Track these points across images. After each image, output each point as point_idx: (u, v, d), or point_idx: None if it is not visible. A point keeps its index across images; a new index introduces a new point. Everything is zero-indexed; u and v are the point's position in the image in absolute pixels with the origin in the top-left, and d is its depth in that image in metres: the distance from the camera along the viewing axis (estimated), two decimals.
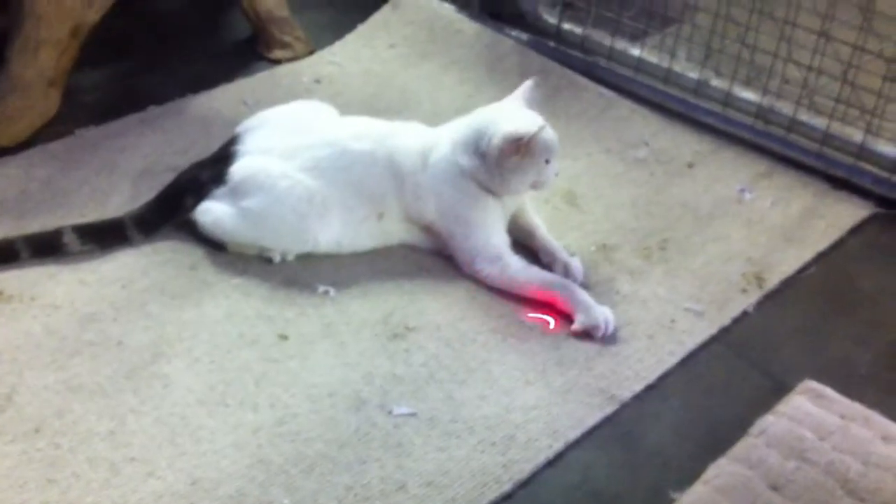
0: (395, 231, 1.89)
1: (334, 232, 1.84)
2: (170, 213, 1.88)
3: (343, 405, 1.60)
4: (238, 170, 1.84)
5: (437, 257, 1.89)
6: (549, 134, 1.83)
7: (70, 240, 1.82)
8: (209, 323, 1.72)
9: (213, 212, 1.84)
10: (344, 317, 1.76)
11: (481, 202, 1.85)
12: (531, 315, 1.75)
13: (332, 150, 1.84)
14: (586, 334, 1.75)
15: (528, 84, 1.93)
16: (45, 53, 2.18)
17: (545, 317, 1.75)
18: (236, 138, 1.91)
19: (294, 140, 1.86)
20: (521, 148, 1.79)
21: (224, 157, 1.88)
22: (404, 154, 1.85)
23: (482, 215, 1.86)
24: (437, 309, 1.79)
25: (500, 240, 1.86)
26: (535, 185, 1.87)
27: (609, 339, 1.75)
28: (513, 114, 1.86)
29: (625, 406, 1.64)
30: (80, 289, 1.77)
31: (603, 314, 1.76)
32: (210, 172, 1.87)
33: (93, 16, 2.23)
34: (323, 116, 1.97)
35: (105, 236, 1.85)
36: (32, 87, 2.17)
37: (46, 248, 1.82)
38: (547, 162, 1.84)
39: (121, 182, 2.03)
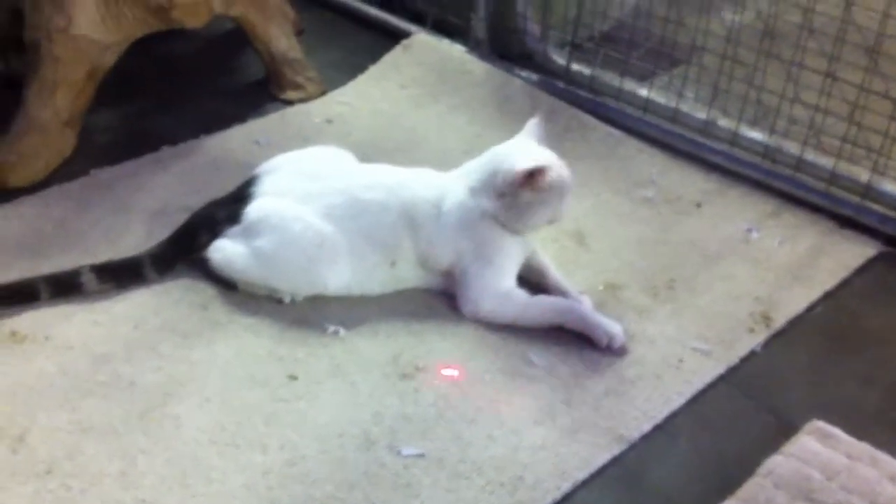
0: (408, 277, 1.90)
1: (345, 277, 1.86)
2: (185, 250, 1.91)
3: (352, 446, 1.61)
4: (252, 210, 1.87)
5: (445, 297, 1.91)
6: (562, 169, 1.86)
7: (88, 279, 1.85)
8: (220, 363, 1.74)
9: (225, 250, 1.86)
10: (353, 356, 1.78)
11: (504, 243, 1.88)
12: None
13: (345, 197, 1.86)
14: (608, 348, 1.81)
15: (533, 121, 1.97)
16: (62, 95, 2.22)
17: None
18: (254, 179, 1.94)
19: (310, 185, 1.89)
20: (533, 183, 1.81)
21: (241, 197, 1.91)
22: (417, 204, 1.87)
23: (503, 257, 1.88)
24: (445, 349, 1.81)
25: (511, 279, 1.88)
26: (550, 220, 1.90)
27: (617, 379, 1.76)
28: (524, 150, 1.89)
29: (632, 446, 1.65)
30: (94, 329, 1.79)
31: (614, 325, 1.81)
32: (225, 211, 1.90)
33: (109, 58, 2.27)
34: (340, 162, 2.00)
35: (122, 275, 1.88)
36: (49, 127, 2.21)
37: (65, 287, 1.84)
38: (561, 197, 1.87)
39: (135, 222, 2.05)
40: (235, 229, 1.87)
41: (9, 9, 2.42)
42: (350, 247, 1.85)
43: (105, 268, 1.87)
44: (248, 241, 1.85)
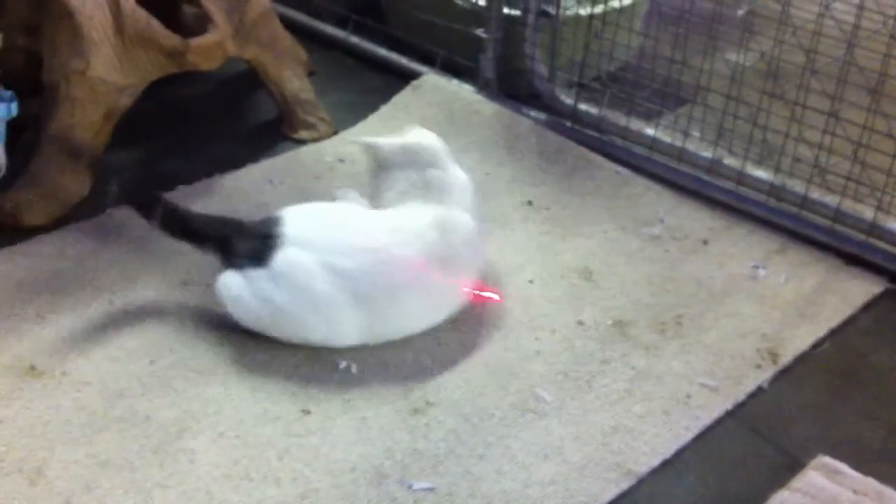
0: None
1: (363, 336, 1.87)
2: (186, 239, 1.89)
3: (364, 480, 1.63)
4: (282, 260, 1.81)
5: (455, 332, 1.94)
6: None
7: None
8: (234, 398, 1.77)
9: (236, 289, 1.83)
10: (365, 392, 1.80)
11: None
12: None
13: (377, 256, 1.84)
14: None
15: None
16: (79, 136, 2.26)
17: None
18: (278, 221, 1.86)
19: (338, 239, 1.85)
20: None
21: (264, 235, 1.84)
22: (446, 248, 1.90)
23: None
24: (455, 384, 1.83)
25: None
26: None
27: (626, 414, 1.78)
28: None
29: (641, 481, 1.67)
30: (109, 365, 1.82)
31: None
32: (247, 246, 1.84)
33: (125, 100, 2.32)
34: (365, 218, 1.96)
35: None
36: (66, 168, 2.25)
37: None
38: None
39: (150, 260, 2.08)
40: (259, 273, 1.82)
41: (23, 51, 2.47)
42: (376, 306, 1.85)
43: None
44: (269, 291, 1.81)
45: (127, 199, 1.85)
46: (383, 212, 1.97)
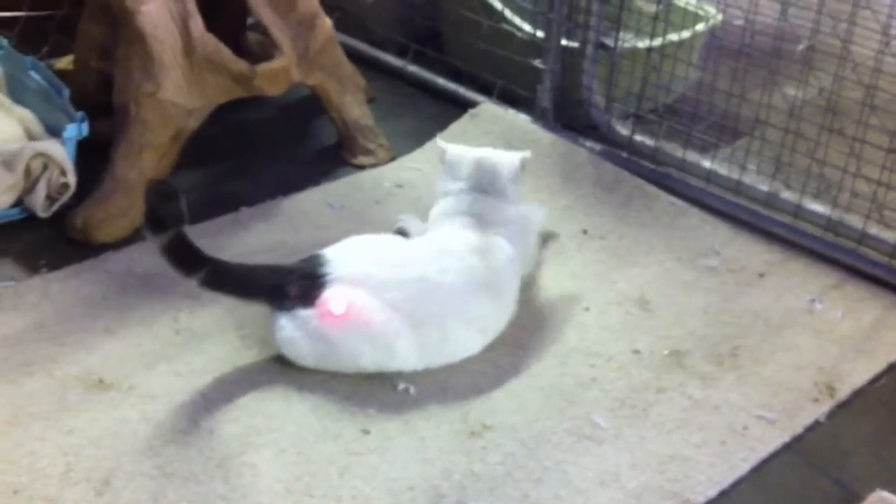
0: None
1: (417, 361, 1.90)
2: (239, 296, 1.89)
3: (422, 500, 1.65)
4: (332, 299, 1.84)
5: (512, 356, 1.96)
6: None
7: None
8: (295, 415, 1.80)
9: (290, 330, 1.85)
10: (423, 413, 1.83)
11: None
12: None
13: (423, 285, 1.87)
14: None
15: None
16: (148, 156, 2.32)
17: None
18: (322, 260, 1.89)
19: (383, 271, 1.88)
20: None
21: (312, 276, 1.87)
22: (499, 270, 1.96)
23: None
24: (512, 408, 1.85)
25: None
26: None
27: (682, 444, 1.79)
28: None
29: None
30: (175, 380, 1.86)
31: None
32: (297, 289, 1.85)
33: (192, 123, 2.38)
34: (404, 245, 2.01)
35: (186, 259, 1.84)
36: (135, 187, 2.31)
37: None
38: None
39: None
40: (310, 312, 1.84)
41: (95, 73, 2.55)
42: (426, 333, 1.88)
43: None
44: (323, 329, 1.83)
45: (169, 256, 1.82)
46: (423, 239, 2.03)
